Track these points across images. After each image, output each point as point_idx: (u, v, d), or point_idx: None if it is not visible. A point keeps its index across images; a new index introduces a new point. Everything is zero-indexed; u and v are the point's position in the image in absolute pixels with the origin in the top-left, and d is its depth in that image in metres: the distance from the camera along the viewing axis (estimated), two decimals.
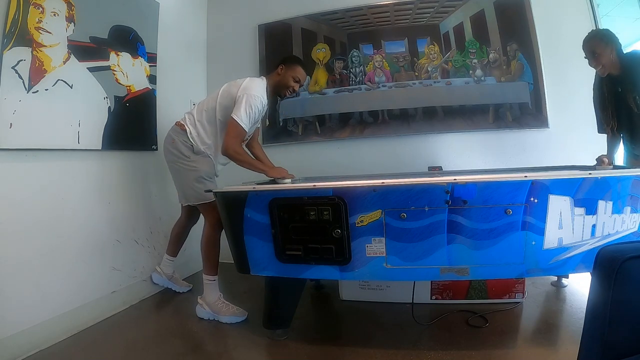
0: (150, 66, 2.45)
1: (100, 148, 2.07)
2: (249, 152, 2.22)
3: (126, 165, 2.27)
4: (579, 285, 2.11)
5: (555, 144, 2.57)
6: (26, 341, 1.62)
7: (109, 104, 2.13)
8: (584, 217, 1.39)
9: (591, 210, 1.39)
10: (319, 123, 2.95)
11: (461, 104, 2.74)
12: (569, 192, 1.37)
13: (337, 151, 2.92)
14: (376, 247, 1.44)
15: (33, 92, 1.71)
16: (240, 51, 3.15)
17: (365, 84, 2.89)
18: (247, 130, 1.88)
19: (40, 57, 1.74)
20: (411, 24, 2.85)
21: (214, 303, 1.93)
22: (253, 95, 1.86)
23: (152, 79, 2.47)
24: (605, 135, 2.12)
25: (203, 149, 1.97)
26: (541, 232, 1.37)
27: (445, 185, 1.37)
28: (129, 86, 2.28)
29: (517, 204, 1.36)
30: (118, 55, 2.19)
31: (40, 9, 1.74)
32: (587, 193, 1.38)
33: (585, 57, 2.00)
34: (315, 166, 2.74)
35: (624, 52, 1.96)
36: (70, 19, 1.89)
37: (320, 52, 2.98)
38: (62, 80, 1.85)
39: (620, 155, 2.14)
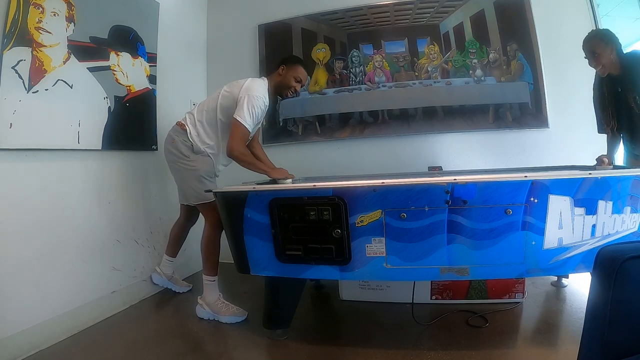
0: (150, 66, 2.45)
1: (100, 148, 2.07)
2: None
3: (126, 165, 2.27)
4: (579, 285, 2.11)
5: (555, 144, 2.57)
6: (26, 341, 1.62)
7: (109, 104, 2.13)
8: (584, 217, 1.39)
9: (591, 210, 1.39)
10: (319, 123, 2.95)
11: (461, 104, 2.73)
12: (569, 192, 1.37)
13: (337, 151, 2.92)
14: (376, 247, 1.44)
15: (33, 92, 1.71)
16: (240, 51, 3.15)
17: (365, 84, 2.89)
18: (250, 131, 1.88)
19: (40, 57, 1.74)
20: (411, 24, 2.85)
21: (213, 303, 1.93)
22: (255, 95, 1.86)
23: (152, 79, 2.47)
24: (605, 135, 2.12)
25: (203, 149, 1.97)
26: (541, 232, 1.37)
27: (445, 185, 1.37)
28: (129, 86, 2.28)
29: (517, 204, 1.36)
30: (118, 55, 2.19)
31: (40, 9, 1.74)
32: (587, 193, 1.38)
33: (585, 57, 2.00)
34: (315, 166, 2.74)
35: (624, 52, 1.96)
36: (70, 19, 1.89)
37: (320, 52, 2.98)
38: (62, 80, 1.85)
39: (620, 155, 2.14)
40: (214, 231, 1.93)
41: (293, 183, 1.81)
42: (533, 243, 1.38)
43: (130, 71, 2.28)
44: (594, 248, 1.39)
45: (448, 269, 1.43)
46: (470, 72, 2.73)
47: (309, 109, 2.95)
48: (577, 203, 1.37)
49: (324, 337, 1.74)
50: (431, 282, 1.95)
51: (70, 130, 1.90)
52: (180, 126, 2.00)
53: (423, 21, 2.83)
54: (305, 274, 1.57)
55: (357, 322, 1.89)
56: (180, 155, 1.96)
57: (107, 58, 2.12)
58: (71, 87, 1.89)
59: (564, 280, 2.17)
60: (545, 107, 2.61)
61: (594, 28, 2.49)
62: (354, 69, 2.91)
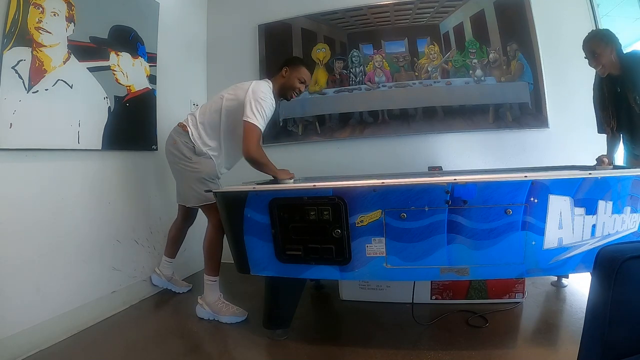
0: (150, 66, 2.45)
1: (100, 148, 2.07)
2: None
3: (126, 165, 2.27)
4: (579, 285, 2.12)
5: (555, 144, 2.57)
6: (26, 341, 1.62)
7: (109, 104, 2.13)
8: (584, 217, 1.39)
9: (591, 210, 1.39)
10: (319, 123, 2.95)
11: (461, 104, 2.74)
12: (569, 192, 1.37)
13: (337, 151, 2.92)
14: (376, 247, 1.44)
15: (33, 92, 1.71)
16: (240, 51, 3.15)
17: (365, 84, 2.89)
18: (262, 131, 1.86)
19: (40, 57, 1.74)
20: (411, 24, 2.85)
21: (214, 303, 1.93)
22: (262, 97, 1.85)
23: (152, 79, 2.47)
24: (605, 135, 2.12)
25: (205, 151, 1.97)
26: (541, 232, 1.37)
27: (445, 185, 1.37)
28: (129, 86, 2.28)
29: (517, 204, 1.36)
30: (118, 55, 2.19)
31: (40, 9, 1.74)
32: (587, 193, 1.38)
33: (585, 57, 2.00)
34: (315, 166, 2.74)
35: (624, 52, 1.96)
36: (70, 19, 1.89)
37: (320, 52, 2.98)
38: (62, 80, 1.85)
39: (620, 155, 2.14)
40: (216, 232, 1.93)
41: (293, 183, 1.81)
42: (533, 243, 1.38)
43: (130, 71, 2.28)
44: (594, 248, 1.39)
45: (448, 269, 1.43)
46: (470, 72, 2.73)
47: (309, 109, 2.95)
48: (577, 203, 1.37)
49: (324, 337, 1.74)
50: (431, 282, 1.95)
51: (70, 130, 1.90)
52: (182, 127, 1.99)
53: (423, 21, 2.83)
54: (305, 274, 1.57)
55: (357, 322, 1.89)
56: (182, 157, 1.95)
57: (107, 58, 2.12)
58: (71, 87, 1.89)
59: (564, 280, 2.17)
60: (545, 107, 2.61)
61: (594, 28, 2.49)
62: (354, 69, 2.92)
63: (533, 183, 1.35)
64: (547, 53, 2.62)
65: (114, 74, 2.17)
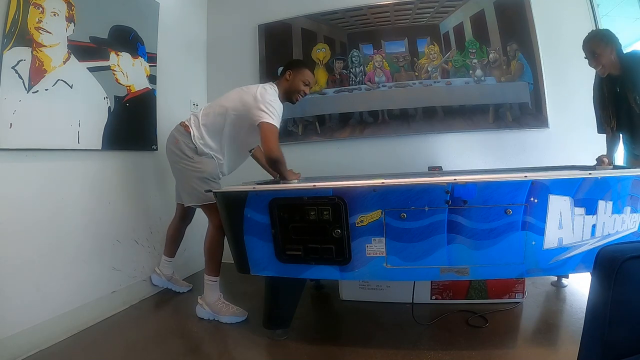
0: (150, 66, 2.45)
1: (100, 148, 2.07)
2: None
3: (126, 165, 2.27)
4: (579, 285, 2.12)
5: (555, 144, 2.57)
6: (26, 341, 1.62)
7: (109, 104, 2.13)
8: (584, 217, 1.39)
9: (591, 210, 1.39)
10: (319, 123, 2.95)
11: (461, 104, 2.73)
12: (569, 192, 1.37)
13: (337, 151, 2.92)
14: (376, 247, 1.44)
15: (33, 92, 1.71)
16: (240, 51, 3.15)
17: (365, 84, 2.89)
18: (278, 128, 1.86)
19: (40, 57, 1.74)
20: (411, 24, 2.85)
21: (214, 303, 1.93)
22: (272, 100, 1.86)
23: (152, 79, 2.47)
24: (604, 135, 2.12)
25: (206, 151, 1.96)
26: (541, 232, 1.37)
27: (445, 185, 1.37)
28: (129, 86, 2.28)
29: (517, 204, 1.36)
30: (118, 55, 2.19)
31: (40, 9, 1.74)
32: (587, 193, 1.38)
33: (585, 58, 2.00)
34: (315, 166, 2.74)
35: (624, 52, 1.96)
36: (70, 19, 1.89)
37: (320, 52, 2.98)
38: (62, 80, 1.85)
39: (620, 155, 2.14)
40: (217, 232, 1.92)
41: (292, 183, 1.81)
42: (533, 243, 1.38)
43: (130, 71, 2.28)
44: (594, 248, 1.39)
45: (448, 269, 1.43)
46: (470, 72, 2.73)
47: (309, 109, 2.95)
48: (577, 203, 1.38)
49: (324, 337, 1.74)
50: (431, 282, 1.95)
51: (70, 130, 1.90)
52: (185, 128, 1.97)
53: (423, 21, 2.83)
54: (305, 274, 1.57)
55: (357, 322, 1.89)
56: (183, 156, 1.95)
57: (107, 58, 2.12)
58: (71, 87, 1.89)
59: (564, 280, 2.17)
60: (545, 107, 2.61)
61: (594, 28, 2.49)
62: (354, 69, 2.92)
63: (533, 183, 1.35)
64: (547, 53, 2.62)
65: (114, 74, 2.17)
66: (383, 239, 1.43)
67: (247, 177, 2.15)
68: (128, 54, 2.27)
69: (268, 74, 3.05)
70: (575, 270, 1.44)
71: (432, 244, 1.41)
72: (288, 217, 1.51)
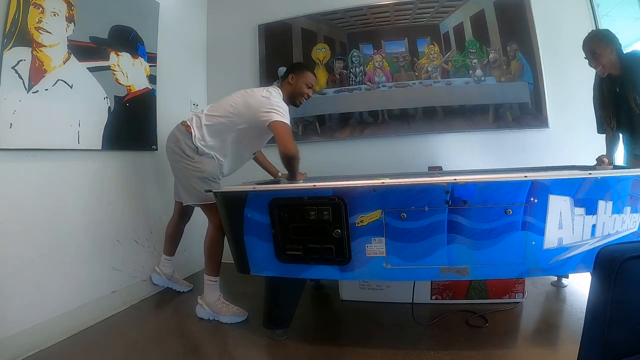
0: (150, 66, 2.45)
1: (100, 148, 2.07)
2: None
3: (126, 165, 2.27)
4: (579, 285, 2.12)
5: (555, 144, 2.57)
6: (26, 341, 1.62)
7: (109, 104, 2.13)
8: (584, 217, 1.39)
9: (591, 210, 1.39)
10: (319, 123, 2.95)
11: (461, 104, 2.73)
12: (569, 192, 1.37)
13: (337, 151, 2.92)
14: (376, 247, 1.44)
15: (33, 92, 1.71)
16: (240, 51, 3.15)
17: (365, 84, 2.89)
18: (290, 126, 1.86)
19: (40, 57, 1.74)
20: (411, 24, 2.85)
21: (214, 303, 1.93)
22: (277, 101, 1.87)
23: (152, 79, 2.47)
24: (604, 135, 2.12)
25: (207, 152, 1.96)
26: (541, 232, 1.37)
27: (445, 185, 1.37)
28: (129, 86, 2.28)
29: (517, 204, 1.36)
30: (118, 55, 2.20)
31: (40, 9, 1.74)
32: (587, 193, 1.38)
33: (585, 58, 2.00)
34: (315, 166, 2.73)
35: (624, 52, 1.96)
36: (70, 19, 1.89)
37: (320, 52, 2.98)
38: (62, 80, 1.85)
39: (620, 155, 2.14)
40: (217, 232, 1.92)
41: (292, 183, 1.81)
42: (533, 243, 1.38)
43: (130, 71, 2.28)
44: (594, 248, 1.39)
45: (448, 269, 1.43)
46: (470, 72, 2.73)
47: (309, 109, 2.95)
48: (577, 203, 1.38)
49: (324, 337, 1.74)
50: (431, 282, 1.95)
51: (70, 130, 1.90)
52: (186, 128, 1.96)
53: (423, 21, 2.83)
54: (305, 274, 1.57)
55: (357, 322, 1.89)
56: (184, 155, 1.94)
57: (107, 58, 2.12)
58: (71, 87, 1.89)
59: (564, 280, 2.17)
60: (545, 107, 2.61)
61: (594, 28, 2.49)
62: (354, 69, 2.92)
63: (533, 183, 1.35)
64: (547, 53, 2.62)
65: (114, 74, 2.17)
66: (383, 239, 1.43)
67: (247, 177, 2.15)
68: (128, 54, 2.27)
69: (268, 74, 3.05)
70: (575, 270, 1.44)
71: (432, 244, 1.41)
72: (288, 217, 1.51)
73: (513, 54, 2.67)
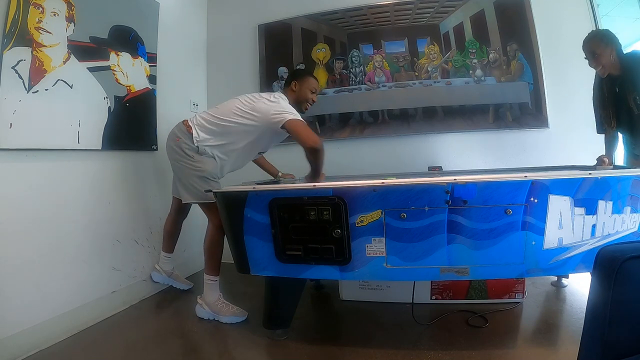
0: (150, 66, 2.45)
1: (100, 148, 2.07)
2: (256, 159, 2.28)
3: (126, 165, 2.27)
4: (579, 285, 2.12)
5: (555, 144, 2.57)
6: (26, 341, 1.62)
7: (109, 104, 2.13)
8: (584, 217, 1.39)
9: (591, 210, 1.39)
10: (319, 123, 2.95)
11: (461, 104, 2.73)
12: (569, 192, 1.37)
13: (337, 151, 2.92)
14: (376, 247, 1.44)
15: (33, 92, 1.71)
16: (240, 51, 3.15)
17: (365, 84, 2.89)
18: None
19: (40, 57, 1.74)
20: (411, 24, 2.85)
21: (213, 303, 1.93)
22: (286, 104, 1.89)
23: (152, 79, 2.47)
24: (604, 135, 2.12)
25: (209, 152, 1.95)
26: (541, 232, 1.37)
27: (445, 185, 1.37)
28: (129, 86, 2.28)
29: (517, 204, 1.36)
30: (118, 55, 2.20)
31: (40, 9, 1.74)
32: (587, 193, 1.38)
33: (585, 58, 2.00)
34: None
35: (624, 52, 1.96)
36: (70, 19, 1.89)
37: (320, 52, 2.98)
38: (62, 80, 1.85)
39: (620, 155, 2.14)
40: (217, 231, 1.92)
41: (293, 183, 1.81)
42: (533, 243, 1.38)
43: (130, 71, 2.28)
44: (594, 248, 1.39)
45: (448, 269, 1.43)
46: (470, 72, 2.73)
47: (309, 109, 2.94)
48: (577, 203, 1.37)
49: (324, 337, 1.74)
50: (431, 282, 1.95)
51: (70, 130, 1.90)
52: (187, 128, 1.95)
53: (423, 21, 2.83)
54: (305, 274, 1.57)
55: (357, 322, 1.89)
56: (183, 155, 1.94)
57: (107, 58, 2.12)
58: (71, 87, 1.89)
59: (564, 280, 2.17)
60: (545, 107, 2.61)
61: (594, 28, 2.49)
62: (354, 69, 2.92)
63: (533, 183, 1.35)
64: (547, 53, 2.62)
65: (114, 74, 2.17)
66: (383, 239, 1.43)
67: (247, 177, 2.15)
68: (128, 54, 2.27)
69: (268, 74, 3.05)
70: (575, 270, 1.44)
71: (432, 244, 1.41)
72: (288, 217, 1.51)
73: (513, 54, 2.67)
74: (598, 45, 1.93)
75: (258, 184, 1.75)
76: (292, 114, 1.82)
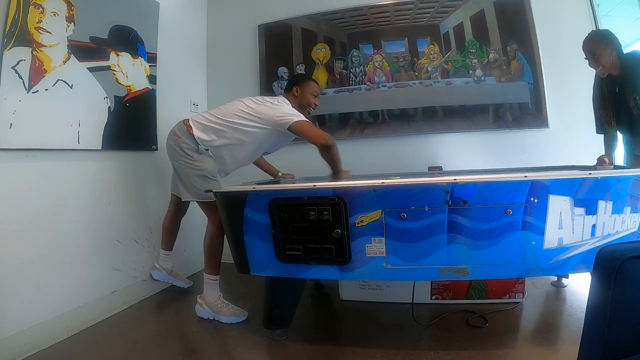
0: (150, 66, 2.45)
1: (100, 148, 2.07)
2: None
3: (126, 165, 2.27)
4: (579, 285, 2.12)
5: (555, 144, 2.57)
6: (26, 341, 1.62)
7: (109, 104, 2.13)
8: (584, 217, 1.39)
9: (591, 210, 1.39)
10: (319, 123, 2.95)
11: (461, 104, 2.74)
12: (569, 192, 1.37)
13: None
14: (376, 247, 1.44)
15: (33, 92, 1.71)
16: (240, 51, 3.15)
17: (365, 84, 2.89)
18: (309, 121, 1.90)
19: (40, 57, 1.74)
20: (411, 24, 2.85)
21: (213, 303, 1.93)
22: (290, 108, 1.92)
23: (152, 79, 2.47)
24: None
25: (207, 151, 1.95)
26: (541, 232, 1.37)
27: (445, 185, 1.37)
28: (129, 86, 2.28)
29: (517, 204, 1.36)
30: (118, 55, 2.20)
31: (40, 9, 1.74)
32: (587, 193, 1.38)
33: (585, 58, 2.00)
34: (315, 166, 2.73)
35: (624, 52, 1.96)
36: (70, 19, 1.89)
37: (320, 52, 2.98)
38: (62, 80, 1.85)
39: (620, 155, 2.14)
40: (217, 231, 1.91)
41: (293, 183, 1.81)
42: (533, 243, 1.38)
43: (130, 71, 2.28)
44: (594, 248, 1.39)
45: (448, 269, 1.43)
46: (470, 72, 2.73)
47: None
48: (577, 203, 1.37)
49: (324, 337, 1.74)
50: (431, 282, 1.95)
51: (70, 130, 1.90)
52: (188, 128, 1.93)
53: (423, 21, 2.83)
54: (305, 274, 1.57)
55: (357, 322, 1.89)
56: (183, 154, 1.93)
57: (107, 58, 2.12)
58: (71, 87, 1.89)
59: (564, 280, 2.17)
60: (545, 107, 2.61)
61: (594, 28, 2.49)
62: (354, 69, 2.92)
63: (533, 183, 1.35)
64: (547, 53, 2.62)
65: (114, 74, 2.17)
66: (383, 239, 1.43)
67: (247, 177, 2.15)
68: (128, 54, 2.27)
69: (268, 74, 3.05)
70: (575, 270, 1.44)
71: (432, 244, 1.41)
72: (288, 217, 1.51)
73: (513, 54, 2.67)
74: (598, 45, 1.92)
75: (258, 184, 1.75)
76: (298, 116, 1.85)
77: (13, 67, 1.63)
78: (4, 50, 1.59)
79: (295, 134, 1.87)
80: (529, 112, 2.65)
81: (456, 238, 1.40)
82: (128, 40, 2.29)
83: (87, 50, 1.99)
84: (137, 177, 2.36)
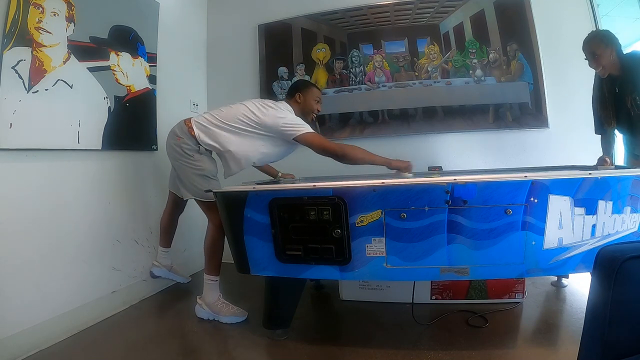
0: (150, 66, 2.45)
1: (100, 148, 2.07)
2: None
3: (126, 165, 2.27)
4: (579, 285, 2.12)
5: (555, 144, 2.57)
6: (26, 341, 1.62)
7: (109, 104, 2.13)
8: (584, 217, 1.39)
9: (591, 210, 1.39)
10: (319, 123, 2.94)
11: (461, 104, 2.74)
12: (569, 192, 1.37)
13: None
14: (376, 247, 1.44)
15: (33, 92, 1.71)
16: (240, 51, 3.15)
17: (365, 84, 2.89)
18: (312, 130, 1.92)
19: (40, 57, 1.74)
20: (411, 24, 2.85)
21: (213, 303, 1.93)
22: (293, 117, 1.93)
23: (152, 79, 2.47)
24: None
25: (208, 152, 1.95)
26: (541, 232, 1.37)
27: (445, 185, 1.37)
28: (129, 86, 2.28)
29: (517, 204, 1.36)
30: (118, 55, 2.20)
31: (40, 9, 1.74)
32: (587, 193, 1.38)
33: (585, 58, 2.00)
34: (315, 166, 2.73)
35: (624, 52, 1.96)
36: (70, 19, 1.89)
37: (320, 52, 2.98)
38: (62, 80, 1.85)
39: (620, 155, 2.14)
40: (217, 231, 1.91)
41: (293, 183, 1.81)
42: (533, 243, 1.38)
43: (130, 71, 2.28)
44: (594, 248, 1.39)
45: (448, 269, 1.43)
46: (470, 72, 2.73)
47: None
48: (577, 203, 1.37)
49: (324, 337, 1.74)
50: (431, 282, 1.95)
51: (70, 130, 1.90)
52: (189, 129, 1.92)
53: (423, 21, 2.83)
54: (305, 274, 1.57)
55: (357, 322, 1.89)
56: (183, 154, 1.93)
57: (107, 58, 2.12)
58: (71, 87, 1.89)
59: (564, 280, 2.17)
60: (545, 107, 2.61)
61: (594, 28, 2.49)
62: (354, 69, 2.92)
63: (533, 183, 1.35)
64: (547, 53, 2.62)
65: (114, 74, 2.17)
66: (383, 239, 1.43)
67: (248, 177, 2.14)
68: (128, 54, 2.27)
69: (268, 74, 3.05)
70: (575, 270, 1.44)
71: (432, 244, 1.41)
72: (288, 217, 1.51)
73: (513, 54, 2.67)
74: (598, 45, 1.92)
75: (258, 184, 1.75)
76: (303, 126, 1.87)
77: (13, 67, 1.63)
78: (4, 50, 1.59)
79: (305, 145, 1.88)
80: (529, 112, 2.65)
81: (456, 238, 1.40)
82: (128, 40, 2.29)
83: (87, 50, 1.99)
84: (137, 177, 2.36)
